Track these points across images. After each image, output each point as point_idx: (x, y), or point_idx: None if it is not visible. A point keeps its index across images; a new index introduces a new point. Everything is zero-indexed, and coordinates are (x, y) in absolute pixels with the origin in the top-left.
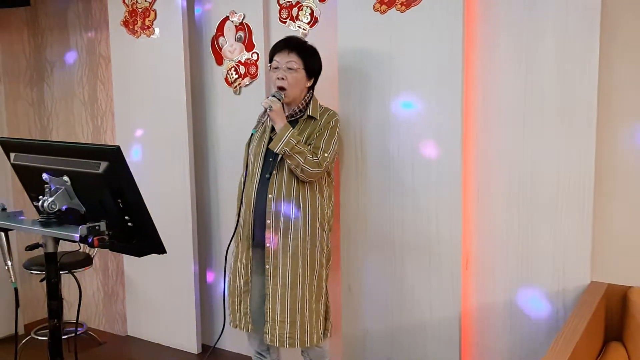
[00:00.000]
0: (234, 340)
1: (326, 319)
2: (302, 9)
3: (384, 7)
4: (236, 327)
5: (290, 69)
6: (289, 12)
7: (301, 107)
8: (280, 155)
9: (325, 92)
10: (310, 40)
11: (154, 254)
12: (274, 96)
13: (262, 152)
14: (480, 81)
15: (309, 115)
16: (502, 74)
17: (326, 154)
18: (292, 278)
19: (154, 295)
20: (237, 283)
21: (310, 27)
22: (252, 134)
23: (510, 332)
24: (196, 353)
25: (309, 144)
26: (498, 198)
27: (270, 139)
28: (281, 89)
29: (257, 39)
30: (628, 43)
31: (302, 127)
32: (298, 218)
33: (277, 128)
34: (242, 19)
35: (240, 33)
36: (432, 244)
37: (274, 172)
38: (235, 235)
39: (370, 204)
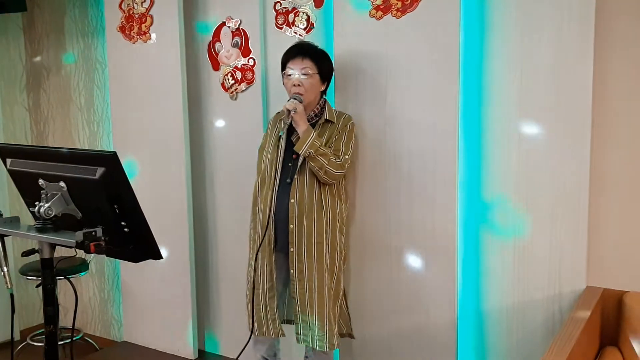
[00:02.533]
0: (229, 345)
1: (348, 320)
2: (298, 15)
3: (379, 13)
4: (263, 335)
5: (305, 74)
6: (285, 18)
7: (317, 111)
8: (300, 161)
9: None
10: None
11: (150, 259)
12: (294, 99)
13: (279, 157)
14: (476, 87)
15: (325, 119)
16: (497, 79)
17: (347, 156)
18: (318, 282)
19: (150, 300)
20: (262, 290)
21: (307, 32)
22: (280, 136)
23: (507, 336)
24: (192, 359)
25: (330, 147)
26: (494, 202)
27: (288, 144)
28: (298, 94)
29: (254, 44)
30: (622, 48)
31: (321, 131)
32: (321, 222)
33: (300, 131)
34: (239, 25)
35: (237, 39)
36: (429, 248)
37: (296, 176)
38: (252, 242)
39: (365, 208)
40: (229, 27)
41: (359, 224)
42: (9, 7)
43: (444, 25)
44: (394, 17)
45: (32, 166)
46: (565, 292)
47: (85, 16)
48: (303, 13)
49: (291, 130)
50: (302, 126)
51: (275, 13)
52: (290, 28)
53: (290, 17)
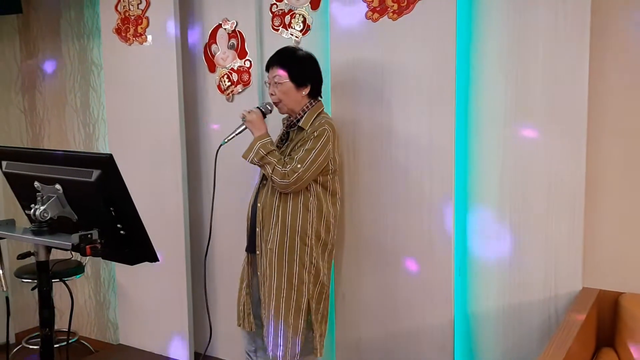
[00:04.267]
0: (224, 347)
1: (314, 337)
2: (294, 17)
3: (376, 15)
4: (240, 326)
5: (277, 83)
6: (281, 20)
7: (298, 117)
8: None
9: None
10: (302, 47)
11: (146, 262)
12: (258, 107)
13: None
14: (472, 88)
15: (299, 127)
16: (493, 80)
17: (299, 165)
18: (277, 289)
19: (145, 303)
20: (241, 285)
21: (303, 34)
22: (220, 145)
23: (503, 338)
24: None
25: (288, 155)
26: (490, 205)
27: (279, 148)
28: (275, 103)
29: (250, 46)
30: (618, 48)
31: (292, 138)
32: (277, 230)
33: (253, 137)
34: (235, 27)
35: (233, 40)
36: (425, 251)
37: (264, 181)
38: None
39: (363, 211)
40: (225, 29)
41: (355, 228)
42: (5, 9)
43: (440, 26)
44: (390, 19)
45: (28, 168)
46: (561, 293)
47: (80, 18)
48: (299, 15)
49: (288, 133)
50: (255, 133)
51: (271, 15)
52: (287, 30)
53: (287, 19)
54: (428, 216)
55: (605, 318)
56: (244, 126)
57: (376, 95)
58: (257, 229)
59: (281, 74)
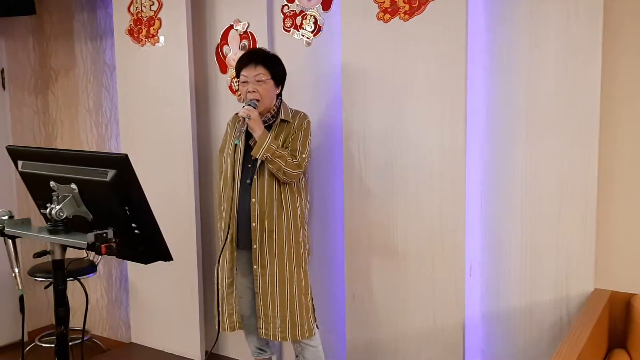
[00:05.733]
0: (235, 346)
1: (313, 311)
2: (306, 18)
3: (387, 16)
4: (220, 329)
5: (259, 81)
6: (292, 21)
7: (273, 112)
8: (259, 162)
9: (328, 99)
10: (314, 48)
11: (158, 261)
12: (249, 105)
13: (239, 159)
14: (483, 88)
15: (281, 120)
16: (505, 80)
17: (304, 155)
18: (280, 276)
19: (157, 302)
20: (220, 286)
21: (314, 35)
22: (235, 144)
23: (514, 339)
24: None
25: (286, 147)
26: (501, 205)
27: (247, 147)
28: (253, 101)
29: (261, 47)
30: (631, 46)
31: (277, 131)
32: (282, 219)
33: (256, 135)
34: (246, 28)
35: (245, 42)
36: (436, 251)
37: (255, 177)
38: (220, 239)
39: (373, 211)
40: (236, 30)
41: (366, 228)
42: (18, 10)
43: (451, 27)
44: (402, 20)
45: (44, 168)
46: (573, 294)
47: (93, 19)
48: (311, 16)
49: (249, 133)
50: (257, 131)
51: (282, 16)
52: (298, 31)
53: (298, 20)
54: (439, 217)
55: (617, 319)
56: (246, 125)
57: (387, 95)
58: (253, 224)
59: (264, 72)
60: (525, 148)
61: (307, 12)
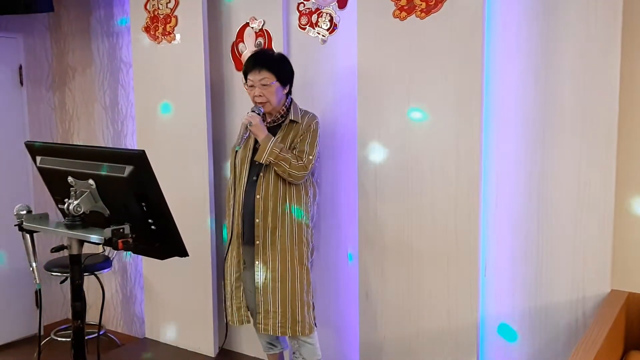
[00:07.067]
0: (247, 342)
1: (314, 309)
2: (321, 16)
3: (403, 14)
4: (231, 322)
5: (264, 85)
6: (308, 19)
7: (282, 112)
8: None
9: (343, 97)
10: (329, 46)
11: (174, 257)
12: (252, 111)
13: (248, 156)
14: (500, 89)
15: (290, 120)
16: (522, 81)
17: (311, 157)
18: (282, 272)
19: (171, 298)
20: (229, 280)
21: (330, 33)
22: (236, 150)
23: (529, 340)
24: (213, 356)
25: (294, 148)
26: (517, 205)
27: (255, 146)
28: (261, 104)
29: (277, 45)
30: None
31: (286, 131)
32: (285, 216)
33: (259, 140)
34: (262, 26)
35: (260, 39)
36: (450, 251)
37: (261, 174)
38: (227, 235)
39: (388, 211)
40: (252, 27)
41: (380, 227)
42: (37, 7)
43: (468, 26)
44: (418, 18)
45: (62, 164)
46: (589, 295)
47: (110, 16)
48: (326, 14)
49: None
50: (260, 136)
51: (298, 14)
52: (314, 29)
53: (314, 17)
54: (454, 217)
55: (633, 321)
56: (249, 132)
57: (403, 94)
58: (257, 220)
59: (269, 76)
60: (542, 148)
61: (323, 10)
